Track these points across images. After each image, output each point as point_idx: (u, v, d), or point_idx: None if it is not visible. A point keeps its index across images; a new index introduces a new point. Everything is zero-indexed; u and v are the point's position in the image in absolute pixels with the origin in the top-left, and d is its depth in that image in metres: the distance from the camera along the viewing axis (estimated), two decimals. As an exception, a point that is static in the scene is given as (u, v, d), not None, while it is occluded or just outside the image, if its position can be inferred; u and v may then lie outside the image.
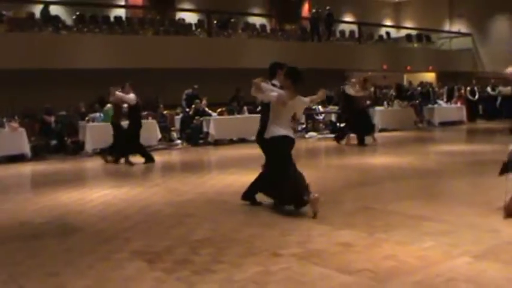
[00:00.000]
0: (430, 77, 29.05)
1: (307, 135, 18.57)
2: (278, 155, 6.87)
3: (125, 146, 12.43)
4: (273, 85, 7.15)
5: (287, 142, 6.87)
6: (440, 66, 27.87)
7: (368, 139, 15.04)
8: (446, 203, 6.97)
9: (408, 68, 27.25)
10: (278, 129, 6.82)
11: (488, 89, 24.65)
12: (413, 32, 29.43)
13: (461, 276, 4.38)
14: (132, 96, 12.14)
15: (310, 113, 19.49)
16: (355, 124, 15.12)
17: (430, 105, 22.34)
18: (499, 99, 24.26)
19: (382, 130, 19.37)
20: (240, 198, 7.43)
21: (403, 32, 29.84)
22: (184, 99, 18.06)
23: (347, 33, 27.47)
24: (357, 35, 26.80)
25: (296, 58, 21.57)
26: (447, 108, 22.98)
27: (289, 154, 6.88)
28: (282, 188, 6.80)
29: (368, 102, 16.96)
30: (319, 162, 12.73)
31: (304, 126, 19.41)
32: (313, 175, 10.21)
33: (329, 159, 13.15)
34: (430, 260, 4.84)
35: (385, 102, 20.98)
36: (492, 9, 27.92)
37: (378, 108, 20.23)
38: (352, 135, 15.21)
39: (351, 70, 24.60)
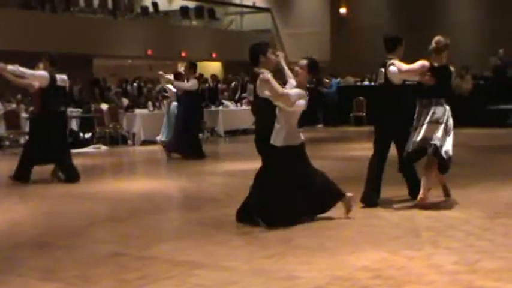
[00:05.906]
0: (215, 67, 30.00)
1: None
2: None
3: None
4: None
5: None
6: (227, 53, 28.74)
7: None
8: (227, 242, 7.21)
9: (183, 54, 27.76)
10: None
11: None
12: (191, 4, 30.17)
13: None
14: None
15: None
16: None
17: (213, 108, 22.93)
18: None
19: (144, 143, 19.67)
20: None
21: (177, 4, 30.49)
22: None
23: (96, 3, 27.40)
24: (110, 5, 26.87)
25: (17, 36, 21.19)
26: (235, 112, 23.71)
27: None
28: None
29: None
30: (53, 190, 12.52)
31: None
32: (41, 209, 10.07)
33: (67, 186, 12.98)
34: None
35: (150, 103, 21.26)
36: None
37: (138, 111, 20.50)
38: None
39: (101, 56, 24.61)
